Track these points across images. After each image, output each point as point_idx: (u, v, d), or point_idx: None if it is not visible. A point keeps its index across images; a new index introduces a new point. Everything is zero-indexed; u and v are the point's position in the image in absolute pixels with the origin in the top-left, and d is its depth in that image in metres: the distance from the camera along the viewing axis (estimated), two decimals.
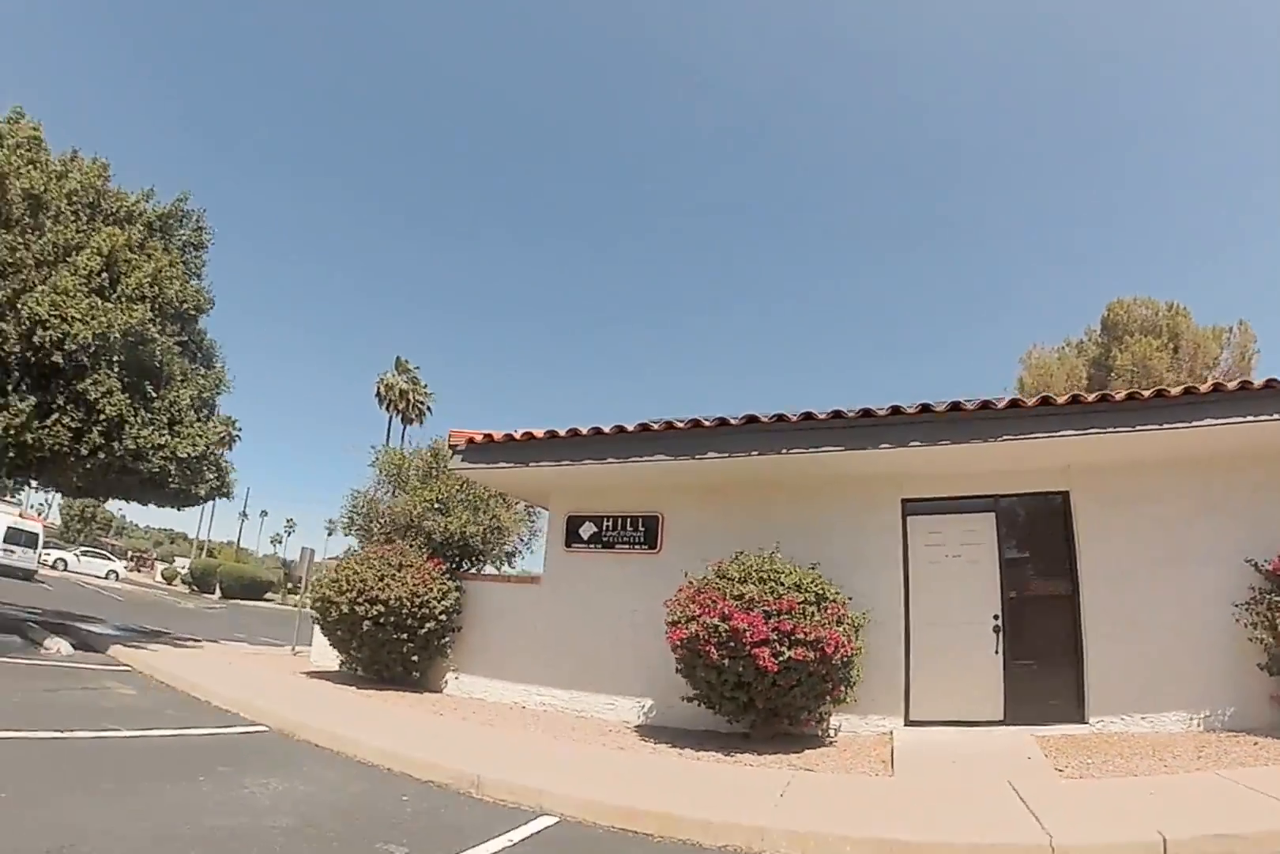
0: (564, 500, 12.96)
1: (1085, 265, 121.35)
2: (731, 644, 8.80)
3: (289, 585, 59.84)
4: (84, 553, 50.22)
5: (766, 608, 8.94)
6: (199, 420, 14.22)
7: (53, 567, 43.94)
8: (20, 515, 40.72)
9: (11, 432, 11.79)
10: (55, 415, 12.15)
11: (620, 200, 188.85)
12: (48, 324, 11.74)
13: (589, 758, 8.58)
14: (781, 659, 8.65)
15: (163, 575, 63.66)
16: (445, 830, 5.75)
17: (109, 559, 51.83)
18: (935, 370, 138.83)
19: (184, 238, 15.24)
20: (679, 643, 9.33)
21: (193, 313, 14.64)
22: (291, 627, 19.25)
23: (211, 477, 15.21)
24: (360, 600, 11.89)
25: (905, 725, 10.05)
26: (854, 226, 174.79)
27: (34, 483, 15.69)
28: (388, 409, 66.88)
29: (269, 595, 57.83)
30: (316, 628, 14.57)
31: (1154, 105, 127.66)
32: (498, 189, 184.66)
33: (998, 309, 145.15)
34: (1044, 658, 10.09)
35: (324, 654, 14.91)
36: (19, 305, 11.80)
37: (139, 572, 69.37)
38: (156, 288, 13.40)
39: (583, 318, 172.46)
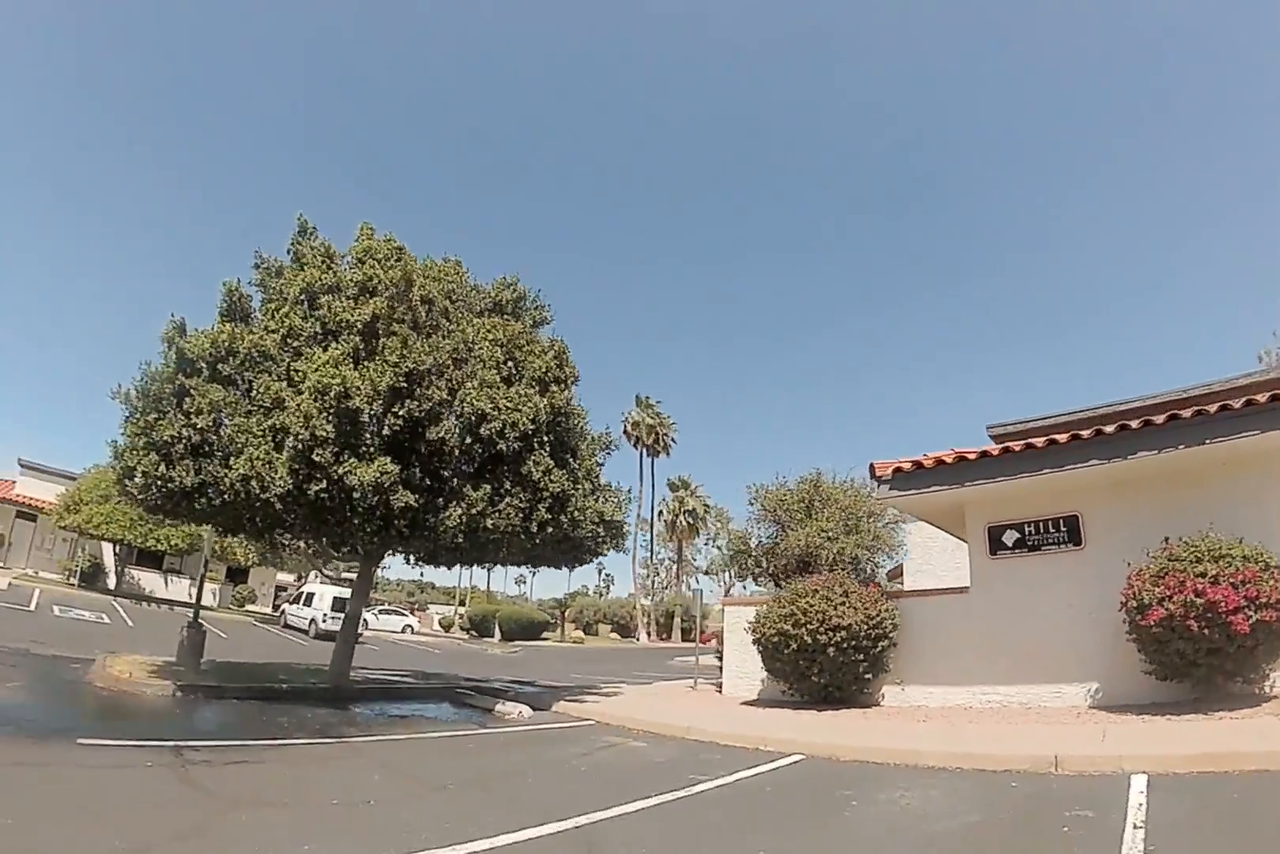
0: (980, 513, 13.46)
1: None
2: (1209, 616, 9.61)
3: (571, 622, 62.51)
4: (381, 612, 52.30)
5: (1231, 580, 9.67)
6: (608, 484, 15.27)
7: None
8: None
9: (465, 520, 12.73)
10: (507, 499, 13.01)
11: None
12: (489, 416, 12.61)
13: (1103, 731, 9.35)
14: (1251, 622, 9.45)
15: (440, 624, 65.83)
16: (1080, 799, 6.52)
17: (403, 615, 54.25)
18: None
19: (532, 317, 16.08)
20: (1154, 622, 10.05)
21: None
22: (610, 662, 20.01)
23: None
24: (822, 630, 12.67)
25: None
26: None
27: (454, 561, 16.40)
28: (635, 445, 68.60)
29: (545, 635, 59.40)
30: (727, 662, 15.52)
31: None
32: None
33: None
34: None
35: (735, 685, 15.96)
36: (456, 403, 12.78)
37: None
38: (564, 369, 14.33)
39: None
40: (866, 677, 13.26)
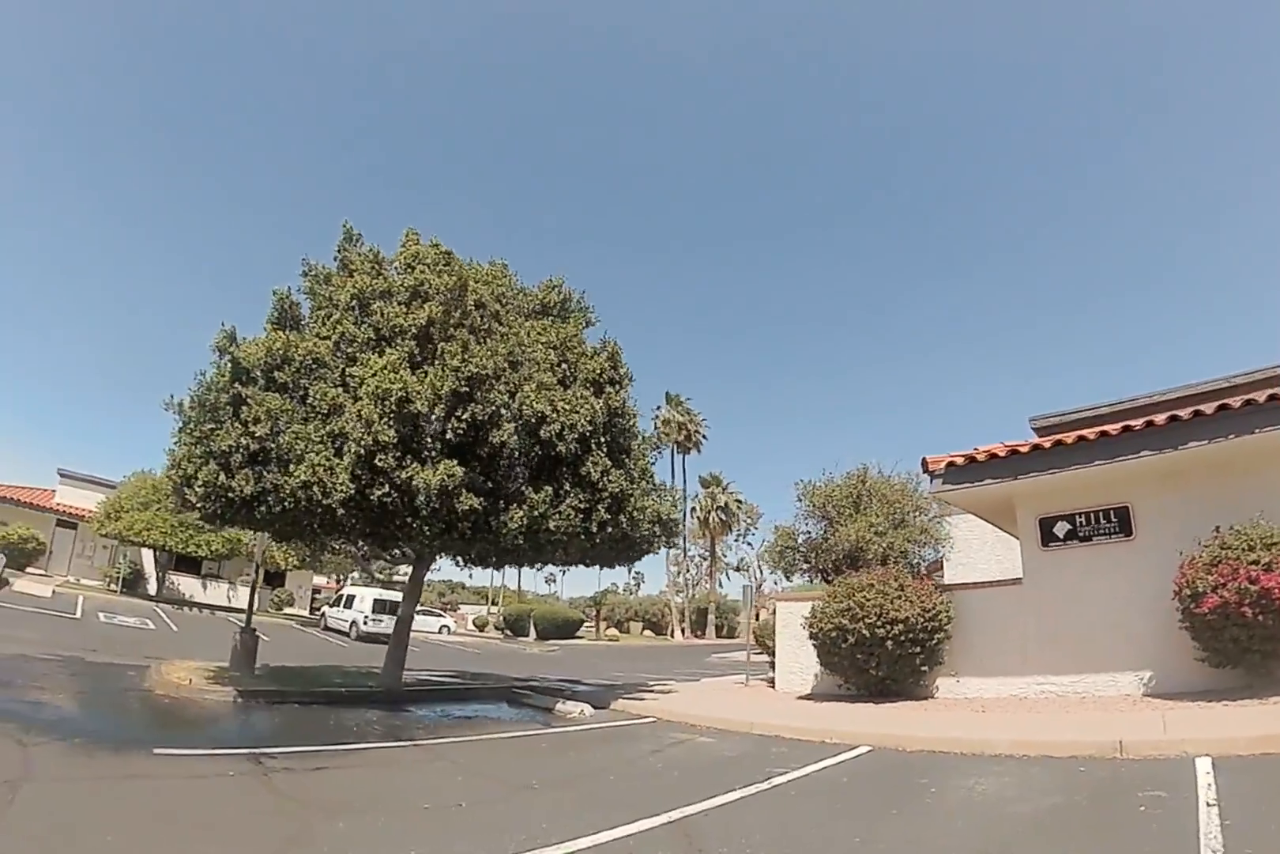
0: (1030, 506, 13.59)
1: None
2: (1263, 602, 9.81)
3: (603, 619, 62.78)
4: (418, 612, 51.86)
5: None
6: (662, 482, 15.36)
7: None
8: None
9: (527, 522, 12.82)
10: (567, 500, 13.14)
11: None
12: (548, 418, 12.75)
13: (1162, 717, 9.57)
14: None
15: (474, 624, 65.84)
16: (1151, 781, 6.74)
17: (440, 616, 54.42)
18: None
19: (578, 320, 16.00)
20: (1209, 610, 10.24)
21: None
22: (649, 659, 20.14)
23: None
24: (880, 623, 12.87)
25: None
26: None
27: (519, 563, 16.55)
28: (669, 442, 67.03)
29: (579, 633, 59.58)
30: (780, 657, 15.80)
31: None
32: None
33: None
34: None
35: (789, 680, 16.19)
36: (514, 406, 12.83)
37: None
38: (618, 370, 14.56)
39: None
40: (923, 669, 13.45)
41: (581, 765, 9.14)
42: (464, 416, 12.44)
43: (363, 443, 11.99)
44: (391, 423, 12.14)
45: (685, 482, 69.90)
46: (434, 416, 12.44)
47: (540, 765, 9.15)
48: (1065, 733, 9.12)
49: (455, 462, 12.27)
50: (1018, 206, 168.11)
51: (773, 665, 18.01)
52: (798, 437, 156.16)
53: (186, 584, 42.95)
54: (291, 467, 12.20)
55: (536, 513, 12.83)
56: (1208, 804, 5.82)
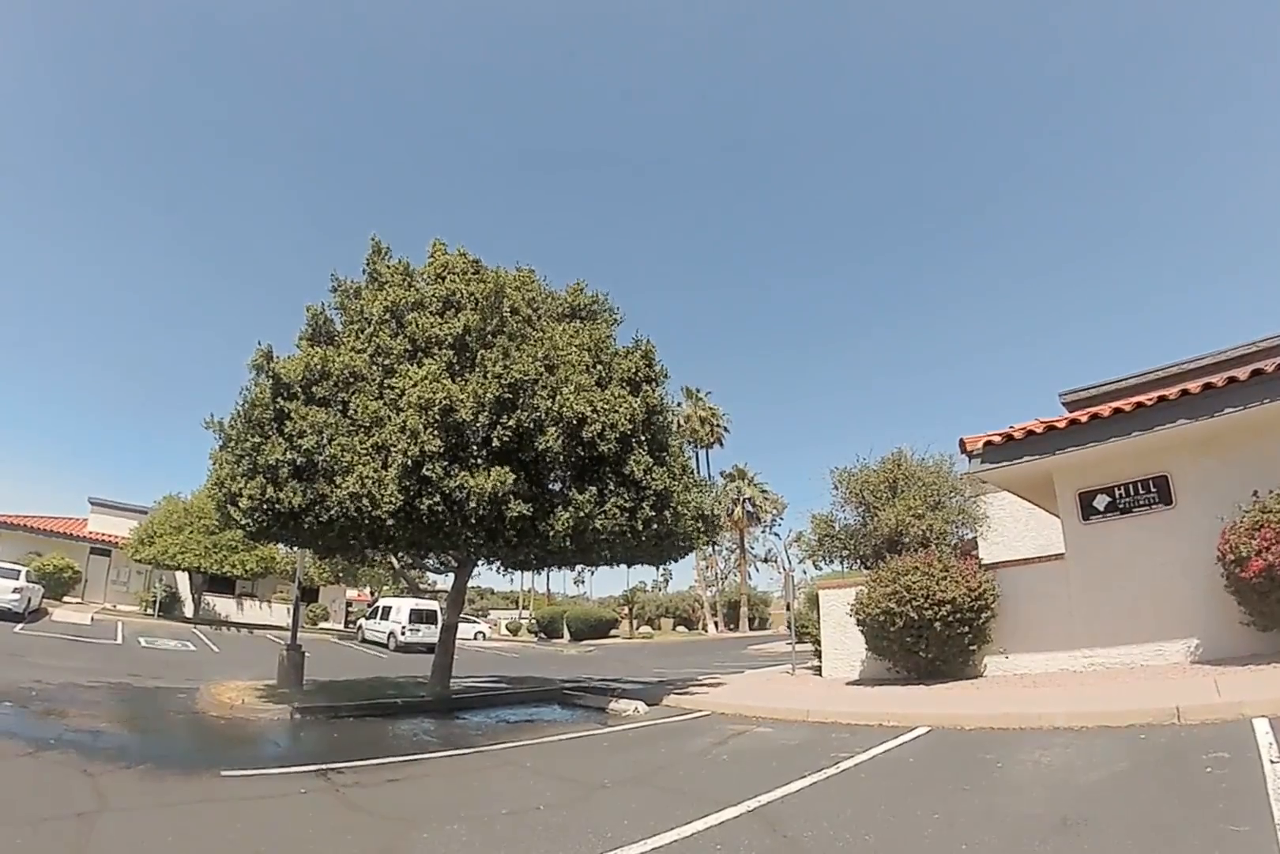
0: (1069, 480, 13.70)
1: None
2: None
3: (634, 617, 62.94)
4: None
5: None
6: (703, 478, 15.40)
7: None
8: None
9: (574, 524, 12.96)
10: (612, 500, 13.26)
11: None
12: (588, 419, 12.81)
13: (1214, 682, 9.57)
14: None
15: (507, 628, 65.88)
16: (1212, 744, 6.92)
17: (474, 622, 54.64)
18: None
19: (606, 320, 16.09)
20: (1254, 574, 10.31)
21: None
22: (687, 654, 20.27)
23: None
24: (928, 605, 13.02)
25: None
26: None
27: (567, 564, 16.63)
28: (690, 438, 65.92)
29: (613, 632, 59.67)
30: (825, 644, 15.98)
31: None
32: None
33: None
34: None
35: (835, 667, 16.38)
36: (555, 408, 12.83)
37: None
38: (653, 369, 14.71)
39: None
40: (971, 649, 13.59)
41: (648, 762, 9.13)
42: (509, 423, 12.55)
43: (409, 453, 12.06)
44: (437, 432, 12.23)
45: (709, 476, 69.62)
46: (478, 424, 12.49)
47: (607, 764, 9.23)
48: (1120, 703, 9.23)
49: (506, 468, 12.38)
50: (1023, 192, 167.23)
51: (817, 653, 18.14)
52: (814, 425, 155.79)
53: (222, 604, 43.60)
54: (338, 479, 12.28)
55: (582, 514, 12.94)
56: (1271, 761, 6.00)
